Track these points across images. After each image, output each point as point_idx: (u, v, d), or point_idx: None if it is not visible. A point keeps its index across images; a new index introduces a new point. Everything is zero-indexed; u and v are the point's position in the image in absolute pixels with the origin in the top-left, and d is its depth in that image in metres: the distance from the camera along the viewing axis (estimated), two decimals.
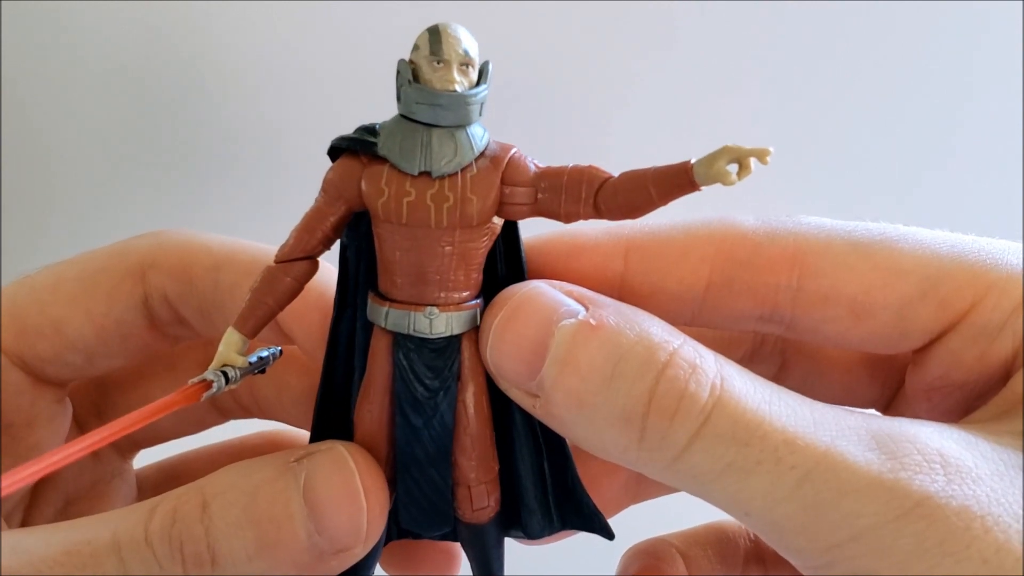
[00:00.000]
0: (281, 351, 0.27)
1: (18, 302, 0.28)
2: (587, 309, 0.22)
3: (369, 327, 0.25)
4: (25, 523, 0.30)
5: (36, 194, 0.57)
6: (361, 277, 0.26)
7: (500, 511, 0.27)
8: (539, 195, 0.23)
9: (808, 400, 0.22)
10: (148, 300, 0.29)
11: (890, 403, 0.30)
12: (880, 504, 0.20)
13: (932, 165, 0.59)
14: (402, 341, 0.24)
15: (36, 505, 0.31)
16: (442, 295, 0.24)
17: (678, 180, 0.22)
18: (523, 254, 0.25)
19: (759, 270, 0.25)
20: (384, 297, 0.24)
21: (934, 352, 0.25)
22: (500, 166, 0.23)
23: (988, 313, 0.24)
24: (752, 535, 0.31)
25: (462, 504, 0.26)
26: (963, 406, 0.25)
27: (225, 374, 0.24)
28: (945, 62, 0.57)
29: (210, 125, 0.56)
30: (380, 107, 0.26)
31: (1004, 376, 0.24)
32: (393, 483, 0.26)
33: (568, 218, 0.24)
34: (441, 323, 0.24)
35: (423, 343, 0.24)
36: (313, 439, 0.26)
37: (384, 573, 0.30)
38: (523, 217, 0.24)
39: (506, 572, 0.28)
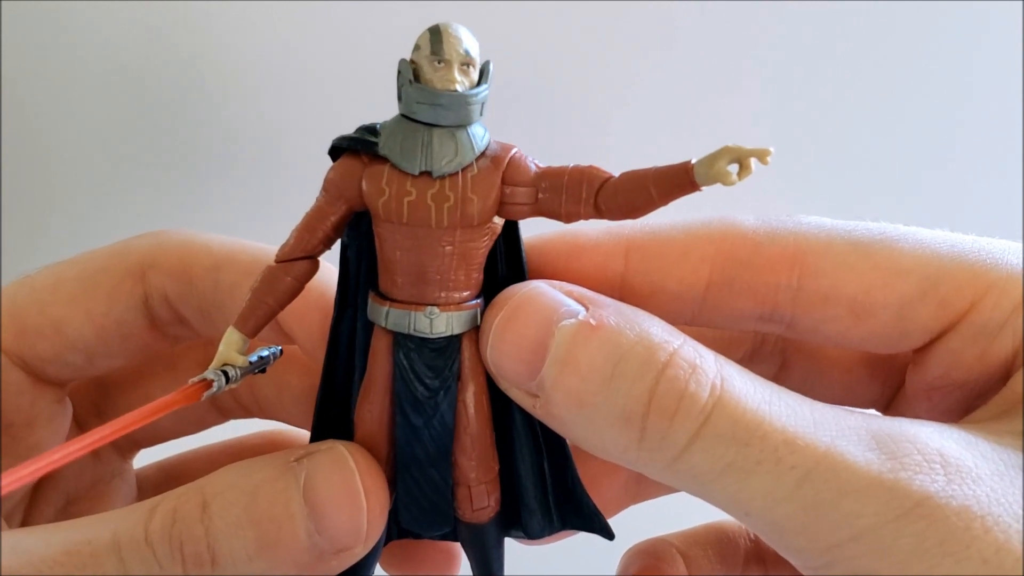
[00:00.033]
0: (281, 351, 0.27)
1: (18, 302, 0.28)
2: (587, 309, 0.22)
3: (370, 327, 0.25)
4: (25, 523, 0.30)
5: (36, 194, 0.57)
6: (362, 277, 0.26)
7: (500, 511, 0.27)
8: (540, 195, 0.23)
9: (808, 400, 0.22)
10: (148, 300, 0.29)
11: (890, 403, 0.30)
12: (880, 504, 0.20)
13: (932, 165, 0.59)
14: (402, 341, 0.24)
15: (36, 505, 0.31)
16: (442, 295, 0.24)
17: (679, 180, 0.22)
18: (524, 254, 0.25)
19: (759, 270, 0.25)
20: (384, 297, 0.24)
21: (934, 352, 0.25)
22: (501, 166, 0.23)
23: (988, 313, 0.24)
24: (752, 535, 0.31)
25: (462, 504, 0.26)
26: (963, 406, 0.25)
27: (225, 373, 0.24)
28: (945, 62, 0.57)
29: (210, 125, 0.56)
30: (380, 107, 0.26)
31: (1004, 376, 0.24)
32: (393, 483, 0.26)
33: (569, 218, 0.24)
34: (441, 323, 0.24)
35: (423, 343, 0.24)
36: (313, 439, 0.26)
37: (384, 573, 0.30)
38: (524, 217, 0.24)
39: (506, 572, 0.28)
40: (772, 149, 0.21)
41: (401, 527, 0.27)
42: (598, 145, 0.56)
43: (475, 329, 0.24)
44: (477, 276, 0.24)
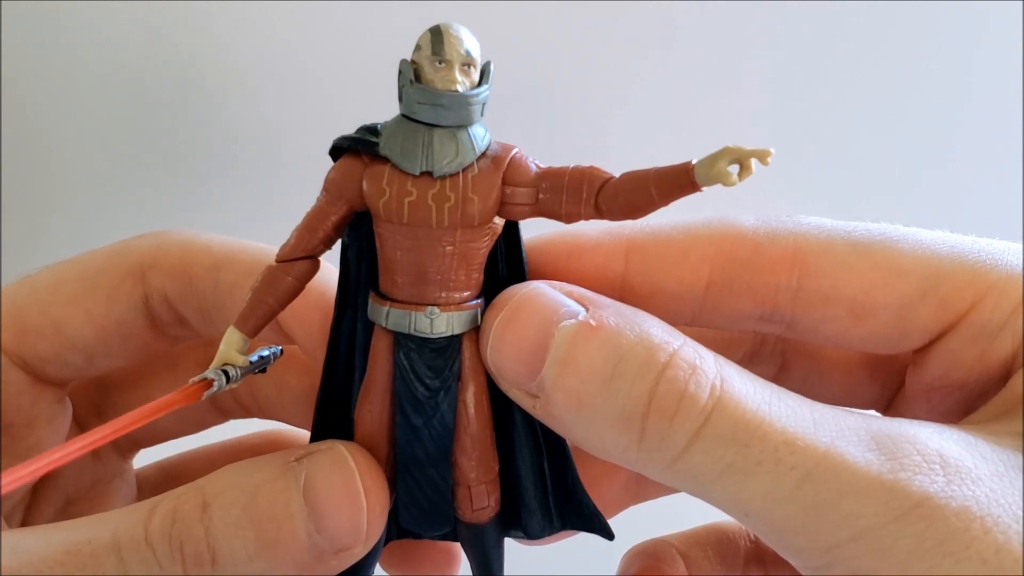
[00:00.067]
0: (282, 350, 0.27)
1: (18, 302, 0.28)
2: (587, 310, 0.22)
3: (370, 327, 0.25)
4: (25, 523, 0.30)
5: (36, 194, 0.57)
6: (362, 277, 0.26)
7: (500, 511, 0.27)
8: (540, 195, 0.23)
9: (808, 401, 0.22)
10: (148, 300, 0.29)
11: (890, 404, 0.30)
12: (880, 504, 0.20)
13: (932, 165, 0.59)
14: (403, 341, 0.24)
15: (36, 505, 0.31)
16: (443, 295, 0.24)
17: (679, 181, 0.22)
18: (524, 254, 0.25)
19: (759, 270, 0.25)
20: (385, 297, 0.24)
21: (934, 352, 0.25)
22: (501, 166, 0.23)
23: (988, 313, 0.24)
24: (752, 536, 0.31)
25: (462, 504, 0.26)
26: (963, 406, 0.25)
27: (226, 373, 0.24)
28: (945, 62, 0.57)
29: (210, 125, 0.56)
30: (381, 107, 0.26)
31: (1004, 376, 0.24)
32: (393, 483, 0.26)
33: (569, 218, 0.24)
34: (442, 323, 0.24)
35: (424, 343, 0.24)
36: (313, 439, 0.26)
37: (384, 573, 0.30)
38: (524, 217, 0.24)
39: (506, 572, 0.28)
40: (772, 150, 0.21)
41: (401, 527, 0.27)
42: (598, 145, 0.56)
43: (475, 329, 0.24)
44: (477, 276, 0.24)
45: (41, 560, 0.22)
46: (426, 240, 0.23)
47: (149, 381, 0.32)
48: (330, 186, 0.24)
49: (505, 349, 0.23)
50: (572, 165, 0.23)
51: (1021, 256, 0.24)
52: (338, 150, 0.24)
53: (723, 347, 0.29)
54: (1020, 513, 0.20)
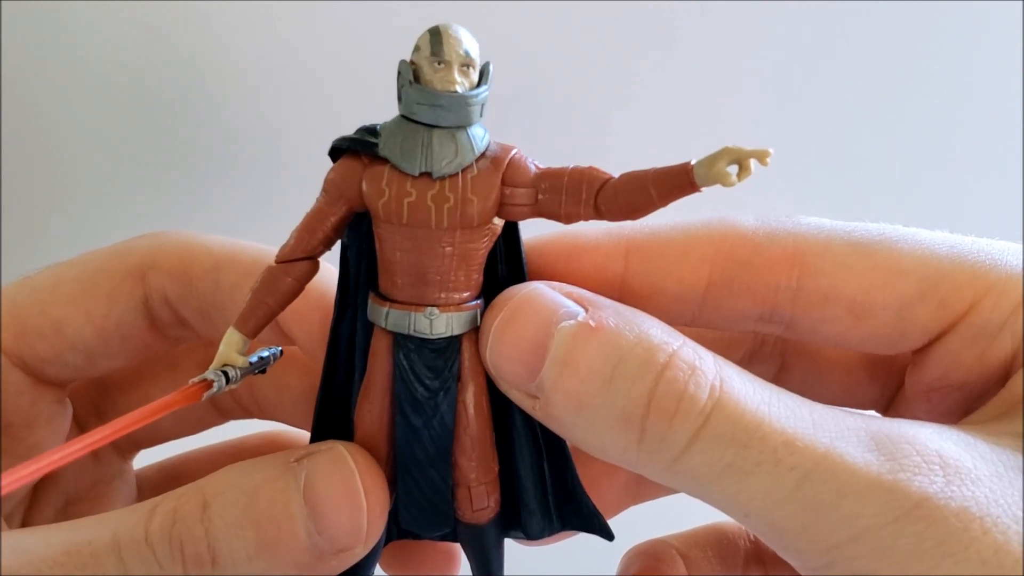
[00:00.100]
0: (282, 351, 0.27)
1: (18, 302, 0.28)
2: (586, 311, 0.22)
3: (370, 327, 0.25)
4: (25, 523, 0.30)
5: (36, 194, 0.57)
6: (362, 277, 0.26)
7: (500, 512, 0.27)
8: (539, 196, 0.23)
9: (807, 401, 0.22)
10: (148, 301, 0.29)
11: (890, 404, 0.30)
12: (879, 505, 0.20)
13: (932, 165, 0.59)
14: (402, 341, 0.24)
15: (36, 505, 0.31)
16: (442, 296, 0.24)
17: (678, 181, 0.22)
18: (523, 255, 0.25)
19: (759, 270, 0.25)
20: (384, 297, 0.24)
21: (933, 352, 0.25)
22: (501, 167, 0.23)
23: (987, 313, 0.24)
24: (752, 536, 0.31)
25: (462, 505, 0.26)
26: (962, 407, 0.25)
27: (226, 374, 0.24)
28: (945, 62, 0.57)
29: (210, 125, 0.56)
30: (380, 108, 0.26)
31: (1003, 376, 0.24)
32: (393, 483, 0.26)
33: (568, 219, 0.24)
34: (441, 323, 0.24)
35: (423, 343, 0.24)
36: (313, 439, 0.26)
37: (384, 573, 0.30)
38: (523, 218, 0.24)
39: (506, 572, 0.28)
40: (772, 150, 0.21)
41: (401, 527, 0.27)
42: (598, 145, 0.56)
43: (475, 330, 0.24)
44: (477, 277, 0.24)
45: (41, 560, 0.22)
46: (425, 241, 0.23)
47: (149, 382, 0.32)
48: (329, 187, 0.24)
49: (504, 350, 0.23)
50: (571, 166, 0.23)
51: (1021, 256, 0.24)
52: (337, 151, 0.24)
53: (723, 347, 0.29)
54: (1019, 513, 0.20)
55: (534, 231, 0.26)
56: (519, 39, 0.53)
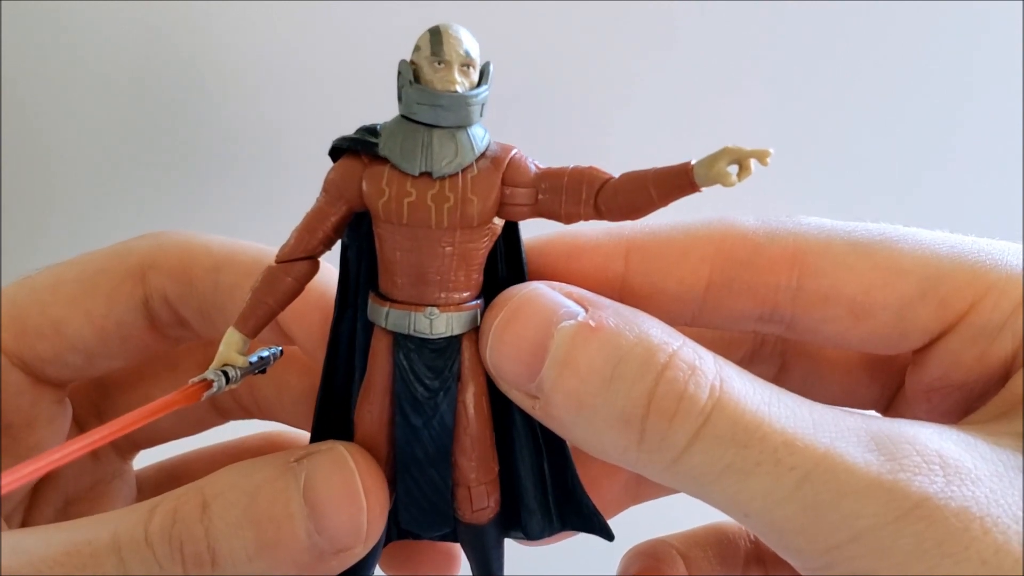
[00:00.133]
0: (282, 351, 0.27)
1: (18, 303, 0.28)
2: (586, 311, 0.22)
3: (370, 327, 0.25)
4: (25, 523, 0.30)
5: (36, 194, 0.57)
6: (362, 277, 0.26)
7: (500, 512, 0.27)
8: (540, 196, 0.23)
9: (807, 401, 0.22)
10: (148, 301, 0.29)
11: (890, 404, 0.30)
12: (879, 505, 0.20)
13: (932, 165, 0.59)
14: (402, 341, 0.24)
15: (36, 505, 0.31)
16: (442, 295, 0.24)
17: (678, 181, 0.22)
18: (524, 255, 0.25)
19: (759, 270, 0.25)
20: (384, 297, 0.24)
21: (934, 352, 0.25)
22: (501, 167, 0.23)
23: (988, 313, 0.24)
24: (752, 536, 0.31)
25: (462, 504, 0.26)
26: (963, 407, 0.25)
27: (225, 374, 0.24)
28: (945, 62, 0.57)
29: (210, 125, 0.56)
30: (380, 107, 0.26)
31: (1003, 376, 0.24)
32: (393, 483, 0.26)
33: (568, 219, 0.24)
34: (441, 323, 0.24)
35: (423, 343, 0.24)
36: (313, 439, 0.26)
37: (384, 574, 0.30)
38: (524, 218, 0.24)
39: (506, 572, 0.28)
40: (772, 150, 0.21)
41: (401, 527, 0.27)
42: (598, 145, 0.56)
43: (475, 330, 0.24)
44: (477, 277, 0.24)
45: (41, 560, 0.22)
46: (425, 241, 0.23)
47: (149, 382, 0.32)
48: (329, 187, 0.24)
49: (504, 350, 0.23)
50: (571, 166, 0.23)
51: (1021, 256, 0.24)
52: (338, 151, 0.24)
53: (723, 347, 0.29)
54: (1020, 514, 0.20)
55: (534, 231, 0.26)
56: (519, 39, 0.53)
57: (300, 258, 0.24)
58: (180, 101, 0.55)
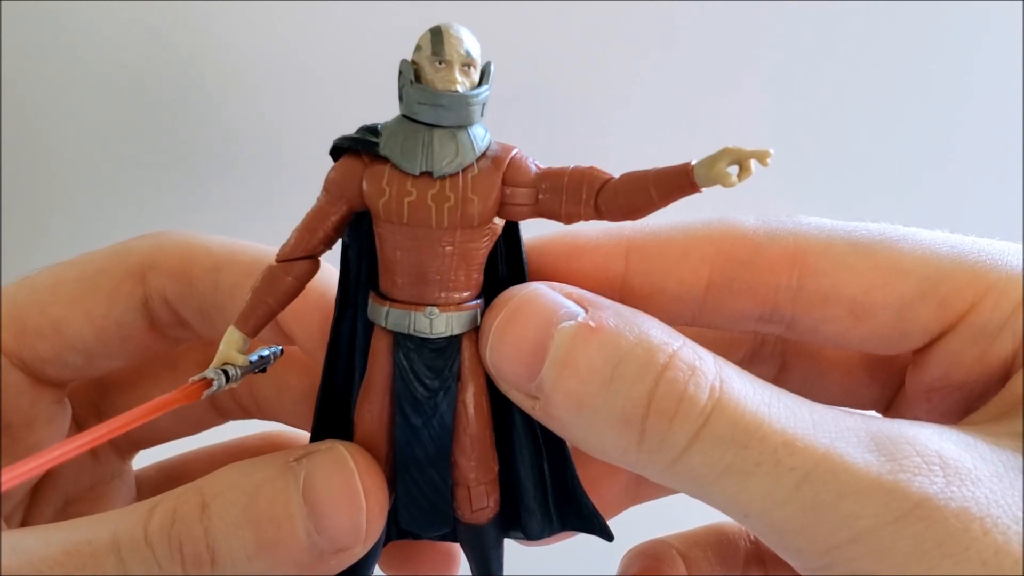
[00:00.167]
0: (282, 350, 0.27)
1: (18, 303, 0.28)
2: (586, 311, 0.22)
3: (370, 327, 0.25)
4: (25, 523, 0.30)
5: (36, 194, 0.57)
6: (363, 277, 0.26)
7: (500, 512, 0.27)
8: (540, 196, 0.23)
9: (807, 402, 0.22)
10: (148, 301, 0.29)
11: (890, 404, 0.30)
12: (879, 506, 0.20)
13: (932, 165, 0.59)
14: (402, 341, 0.24)
15: (36, 505, 0.31)
16: (442, 295, 0.24)
17: (679, 181, 0.22)
18: (524, 255, 0.25)
19: (759, 270, 0.25)
20: (385, 297, 0.24)
21: (934, 352, 0.25)
22: (501, 167, 0.23)
23: (988, 313, 0.24)
24: (752, 536, 0.31)
25: (461, 504, 0.26)
26: (963, 407, 0.25)
27: (226, 372, 0.24)
28: (945, 62, 0.57)
29: (210, 125, 0.56)
30: (381, 107, 0.26)
31: (1004, 376, 0.24)
32: (393, 483, 0.26)
33: (569, 219, 0.24)
34: (441, 323, 0.24)
35: (423, 343, 0.24)
36: (314, 439, 0.26)
37: (384, 573, 0.30)
38: (524, 218, 0.24)
39: (506, 572, 0.28)
40: (772, 151, 0.21)
41: (400, 527, 0.27)
42: (598, 145, 0.56)
43: (475, 330, 0.24)
44: (477, 277, 0.24)
45: (41, 560, 0.22)
46: (426, 240, 0.23)
47: (149, 382, 0.32)
48: (330, 186, 0.24)
49: (504, 350, 0.23)
50: (572, 166, 0.23)
51: (1021, 256, 0.24)
52: (339, 150, 0.24)
53: (723, 347, 0.29)
54: (1020, 514, 0.20)
55: (535, 231, 0.26)
56: (519, 39, 0.53)
57: (300, 257, 0.24)
58: (180, 101, 0.55)
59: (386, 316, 0.24)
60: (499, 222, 0.24)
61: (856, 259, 0.24)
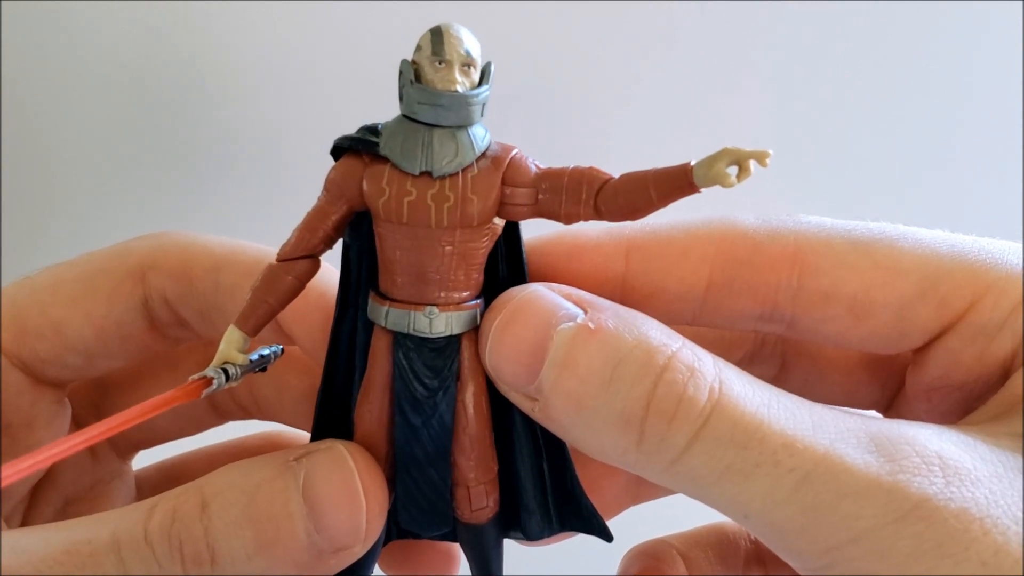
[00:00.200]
0: (283, 350, 0.27)
1: (18, 303, 0.28)
2: (586, 312, 0.22)
3: (370, 326, 0.25)
4: (25, 524, 0.30)
5: (36, 194, 0.57)
6: (363, 277, 0.26)
7: (499, 512, 0.27)
8: (540, 196, 0.23)
9: (807, 402, 0.22)
10: (148, 302, 0.29)
11: (890, 404, 0.30)
12: (879, 506, 0.20)
13: (932, 165, 0.59)
14: (402, 340, 0.24)
15: (35, 506, 0.31)
16: (442, 295, 0.24)
17: (678, 182, 0.22)
18: (524, 255, 0.25)
19: (759, 269, 0.25)
20: (384, 296, 0.24)
21: (933, 352, 0.25)
22: (501, 167, 0.23)
23: (987, 312, 0.24)
24: (752, 536, 0.31)
25: (461, 504, 0.26)
26: (962, 406, 0.25)
27: (226, 371, 0.24)
28: (945, 62, 0.57)
29: (210, 125, 0.56)
30: (381, 107, 0.26)
31: (1003, 376, 0.24)
32: (392, 482, 0.26)
33: (568, 219, 0.24)
34: (441, 323, 0.24)
35: (423, 342, 0.24)
36: (314, 438, 0.26)
37: (383, 573, 0.30)
38: (524, 218, 0.24)
39: (506, 572, 0.28)
40: (771, 151, 0.21)
41: (400, 527, 0.27)
42: (598, 146, 0.56)
43: (475, 330, 0.24)
44: (477, 277, 0.24)
45: (41, 560, 0.22)
46: (425, 240, 0.23)
47: (149, 382, 0.32)
48: (330, 186, 0.24)
49: (504, 352, 0.23)
50: (572, 166, 0.23)
51: (1021, 256, 0.24)
52: (339, 150, 0.24)
53: (723, 348, 0.29)
54: (1019, 514, 0.20)
55: (535, 231, 0.26)
56: (519, 39, 0.53)
57: (301, 257, 0.24)
58: (180, 101, 0.55)
59: (386, 316, 0.24)
60: (499, 222, 0.24)
61: (856, 258, 0.24)
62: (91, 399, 0.32)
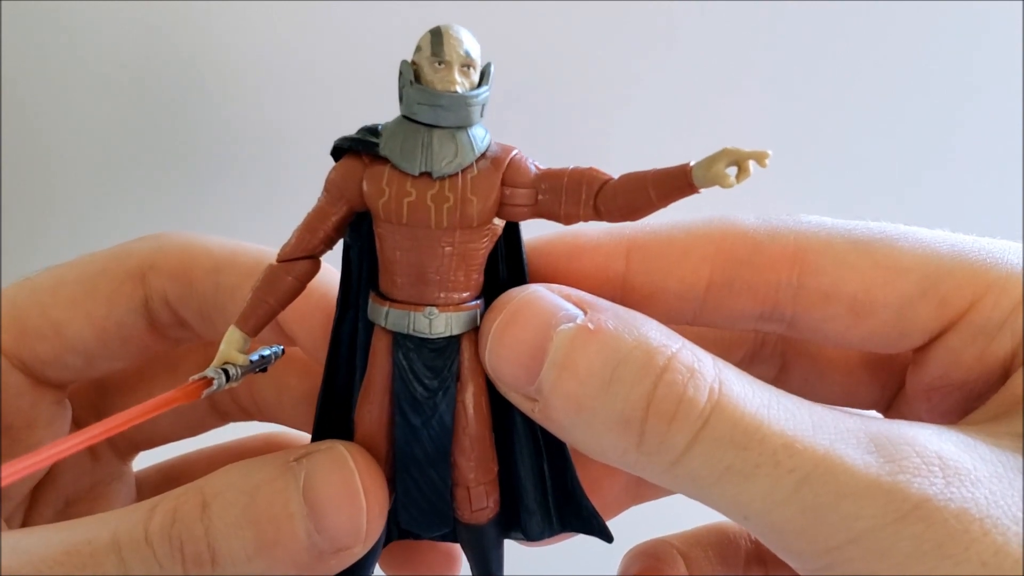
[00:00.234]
0: (283, 350, 0.27)
1: (18, 304, 0.28)
2: (585, 313, 0.22)
3: (371, 327, 0.25)
4: (25, 525, 0.30)
5: (36, 194, 0.57)
6: (364, 278, 0.26)
7: (499, 512, 0.27)
8: (539, 196, 0.23)
9: (807, 403, 0.22)
10: (148, 302, 0.29)
11: (891, 404, 0.30)
12: (879, 507, 0.20)
13: (932, 165, 0.59)
14: (402, 341, 0.24)
15: (36, 507, 0.31)
16: (442, 295, 0.24)
17: (677, 182, 0.22)
18: (524, 255, 0.25)
19: (760, 268, 0.25)
20: (384, 297, 0.24)
21: (934, 351, 0.25)
22: (501, 167, 0.23)
23: (988, 312, 0.24)
24: (753, 536, 0.31)
25: (461, 505, 0.26)
26: (963, 406, 0.25)
27: (226, 372, 0.24)
28: (945, 62, 0.57)
29: (210, 125, 0.56)
30: (381, 107, 0.26)
31: (1003, 376, 0.24)
32: (393, 483, 0.26)
33: (568, 219, 0.24)
34: (440, 323, 0.24)
35: (422, 343, 0.24)
36: (315, 439, 0.26)
37: (384, 573, 0.30)
38: (523, 218, 0.24)
39: (506, 573, 0.28)
40: (770, 152, 0.21)
41: (401, 528, 0.27)
42: (598, 146, 0.56)
43: (475, 330, 0.24)
44: (477, 277, 0.24)
45: (41, 560, 0.22)
46: (425, 240, 0.23)
47: (149, 383, 0.32)
48: (330, 186, 0.24)
49: (503, 353, 0.23)
50: (571, 166, 0.23)
51: (1021, 255, 0.24)
52: (339, 150, 0.24)
53: (724, 347, 0.29)
54: (1019, 515, 0.20)
55: (535, 231, 0.26)
56: (519, 39, 0.53)
57: (301, 257, 0.24)
58: (180, 101, 0.55)
59: (386, 316, 0.24)
60: (499, 223, 0.24)
61: (856, 257, 0.24)
62: (91, 400, 0.32)
